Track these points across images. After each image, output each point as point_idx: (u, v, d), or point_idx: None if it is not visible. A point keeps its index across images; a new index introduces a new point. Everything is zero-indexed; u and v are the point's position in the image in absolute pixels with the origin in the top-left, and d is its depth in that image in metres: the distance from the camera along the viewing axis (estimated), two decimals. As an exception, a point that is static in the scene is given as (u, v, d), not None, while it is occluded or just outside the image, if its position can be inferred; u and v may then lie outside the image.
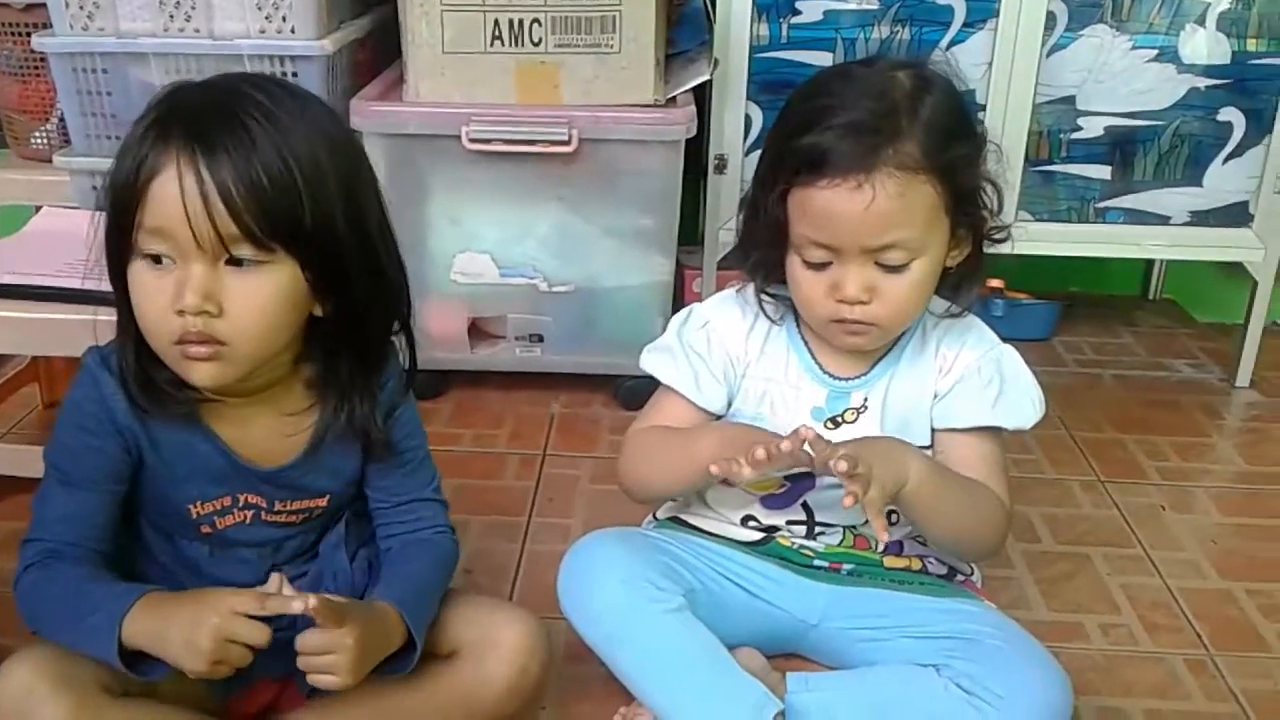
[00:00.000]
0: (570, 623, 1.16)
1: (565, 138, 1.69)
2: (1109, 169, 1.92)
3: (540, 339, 1.85)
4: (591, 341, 1.85)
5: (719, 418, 1.23)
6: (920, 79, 1.13)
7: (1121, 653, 1.33)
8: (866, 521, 1.20)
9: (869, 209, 1.07)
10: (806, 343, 1.22)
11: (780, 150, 1.14)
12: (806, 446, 1.05)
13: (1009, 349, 1.22)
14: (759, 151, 1.24)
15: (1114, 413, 1.91)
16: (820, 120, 1.10)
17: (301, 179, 0.92)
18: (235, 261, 0.93)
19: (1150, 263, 2.37)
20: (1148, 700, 1.26)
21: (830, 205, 1.08)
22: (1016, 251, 1.97)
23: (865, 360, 1.20)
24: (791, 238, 1.13)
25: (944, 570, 1.26)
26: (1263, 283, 1.94)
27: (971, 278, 1.18)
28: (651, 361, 1.25)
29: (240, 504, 1.07)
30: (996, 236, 1.18)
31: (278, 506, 1.08)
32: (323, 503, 1.10)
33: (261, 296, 0.94)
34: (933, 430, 1.21)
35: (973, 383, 1.19)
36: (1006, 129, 1.87)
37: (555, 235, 1.78)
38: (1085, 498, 1.66)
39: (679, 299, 1.91)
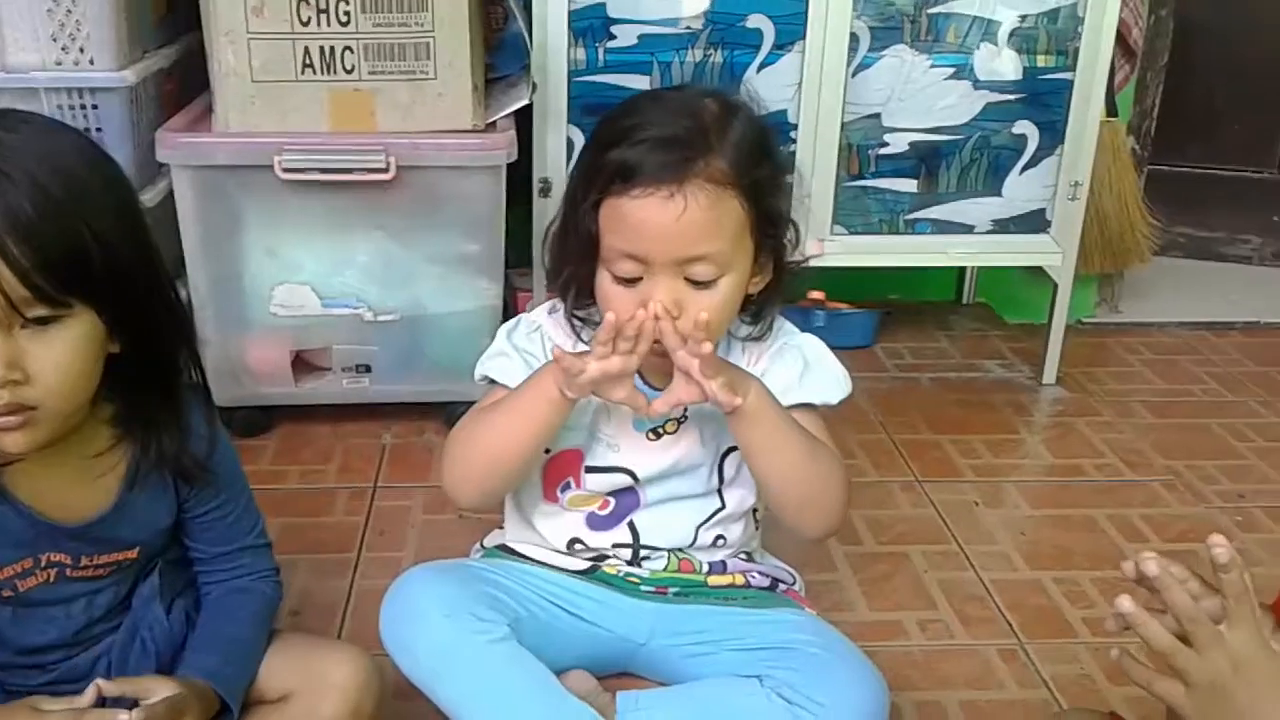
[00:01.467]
0: (393, 661, 1.15)
1: (383, 165, 1.68)
2: (915, 182, 2.01)
3: (368, 369, 1.82)
4: (421, 369, 1.84)
5: None
6: (727, 104, 1.16)
7: (938, 647, 1.39)
8: (692, 543, 1.24)
9: (680, 219, 1.08)
10: None
11: (592, 165, 1.15)
12: (660, 321, 1.08)
13: (810, 336, 1.26)
14: (577, 171, 1.26)
15: (931, 414, 2.00)
16: (632, 135, 1.12)
17: (84, 224, 0.89)
18: (33, 320, 0.89)
19: (963, 269, 2.49)
20: (964, 692, 1.32)
21: (642, 215, 1.09)
22: (834, 264, 2.07)
23: None
24: (602, 252, 1.13)
25: (767, 583, 1.29)
26: (1062, 285, 2.06)
27: (771, 305, 1.20)
28: (486, 366, 1.24)
29: (42, 564, 1.02)
30: (794, 268, 1.21)
31: (84, 562, 1.04)
32: (133, 554, 1.06)
33: (66, 353, 0.90)
34: None
35: (784, 367, 1.23)
36: (818, 146, 1.94)
37: (378, 264, 1.76)
38: (904, 498, 1.73)
39: (509, 322, 1.91)
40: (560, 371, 1.11)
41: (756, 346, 1.24)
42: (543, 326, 1.25)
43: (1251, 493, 1.78)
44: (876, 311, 2.29)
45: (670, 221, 1.09)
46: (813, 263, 2.01)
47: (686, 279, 1.12)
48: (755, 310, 1.21)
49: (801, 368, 1.24)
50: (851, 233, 2.02)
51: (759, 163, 1.15)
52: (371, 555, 1.53)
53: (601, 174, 1.13)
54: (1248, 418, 2.04)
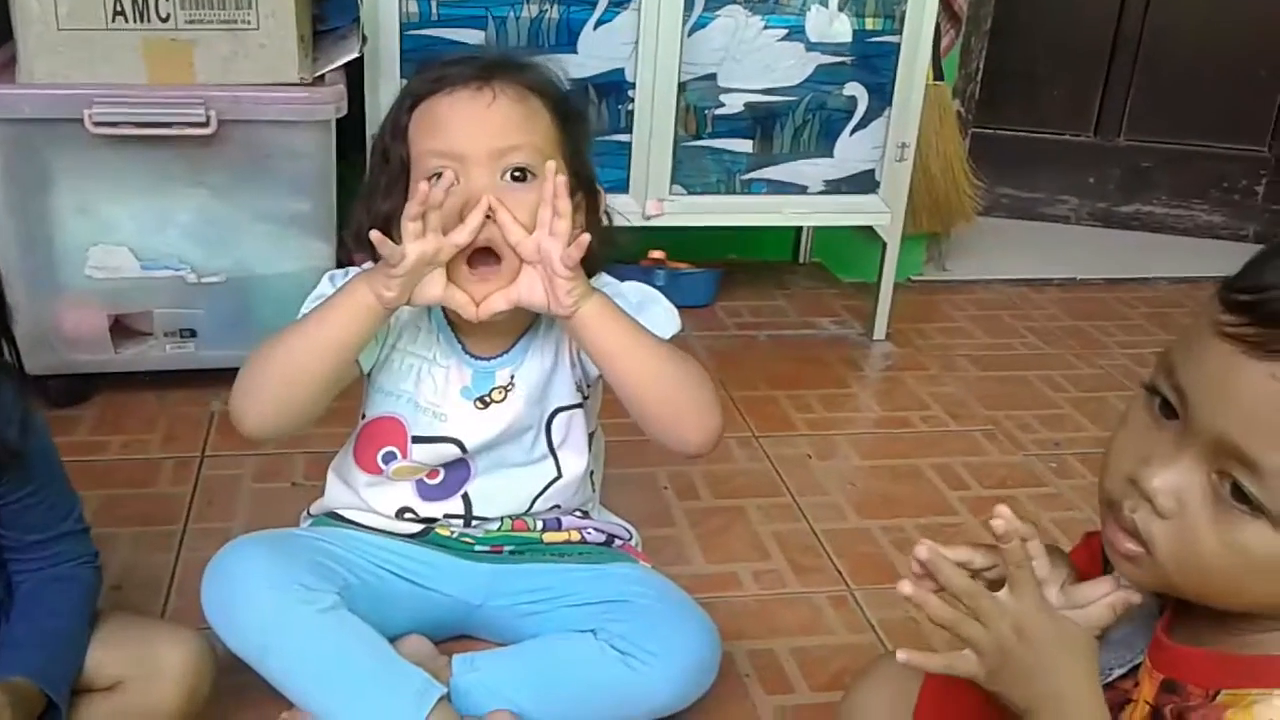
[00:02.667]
0: (218, 636, 1.12)
1: (203, 119, 1.60)
2: (751, 143, 2.03)
3: (193, 334, 1.75)
4: (250, 333, 1.73)
5: (364, 374, 1.20)
6: (533, 60, 1.18)
7: (771, 596, 1.43)
8: (528, 510, 1.23)
9: (491, 107, 1.09)
10: (450, 322, 1.20)
11: (400, 100, 1.15)
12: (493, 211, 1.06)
13: (633, 282, 1.25)
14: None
15: (768, 371, 2.04)
16: (441, 67, 1.14)
17: None
18: None
19: (799, 229, 2.54)
20: (795, 639, 1.36)
21: (453, 108, 1.10)
22: (673, 224, 2.08)
23: (505, 338, 1.20)
24: (414, 165, 1.09)
25: (602, 538, 1.30)
26: (890, 244, 2.12)
27: (592, 261, 1.19)
28: (306, 308, 1.19)
29: None
30: (606, 234, 1.20)
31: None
32: (-62, 544, 1.00)
33: None
34: (585, 374, 1.23)
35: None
36: (656, 105, 1.94)
37: (200, 223, 1.69)
38: (741, 453, 1.76)
39: (342, 284, 1.87)
40: (376, 275, 1.06)
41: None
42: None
43: (1066, 441, 1.88)
44: (716, 271, 2.32)
45: (481, 110, 1.09)
46: (653, 222, 2.06)
47: (503, 177, 1.09)
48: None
49: (633, 308, 1.23)
50: (690, 192, 2.04)
51: (565, 98, 1.17)
52: (198, 526, 1.48)
53: (409, 99, 1.14)
54: (1063, 369, 2.15)
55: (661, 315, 1.24)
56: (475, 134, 1.08)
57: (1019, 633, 0.72)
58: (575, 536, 1.28)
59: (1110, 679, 0.84)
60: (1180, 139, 2.88)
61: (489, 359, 1.20)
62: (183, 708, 1.06)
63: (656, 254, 2.23)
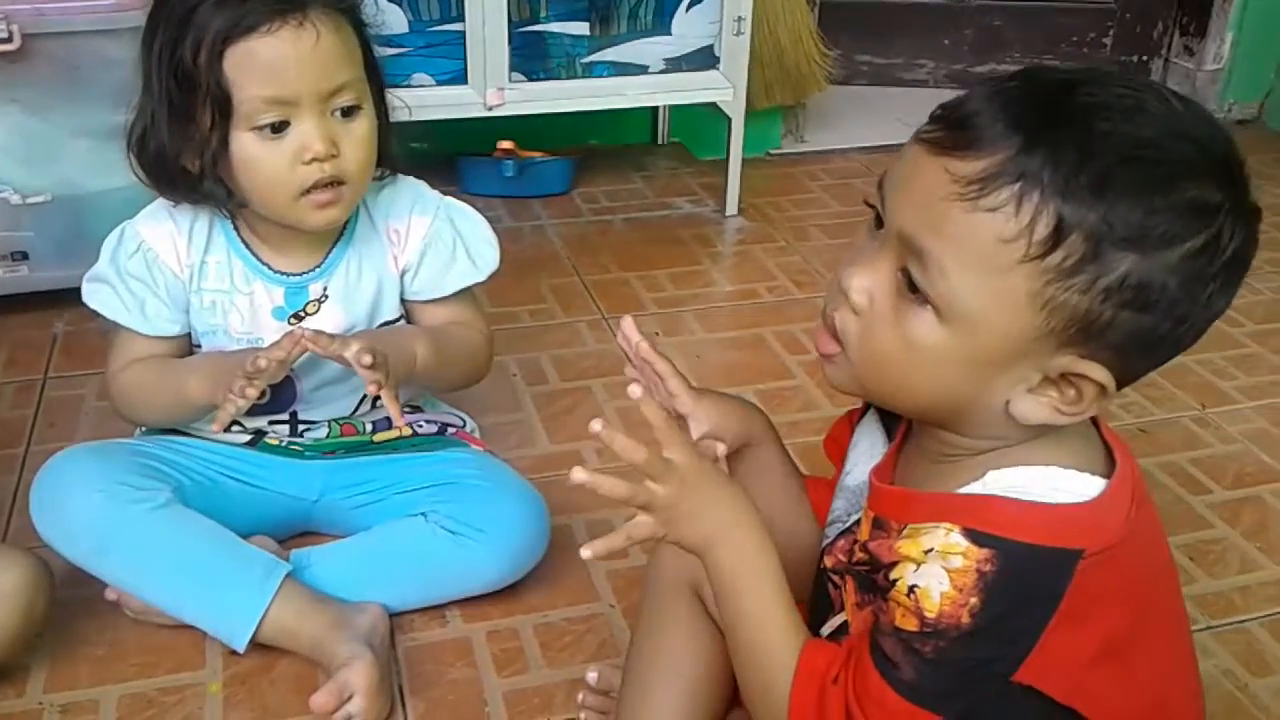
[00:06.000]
0: (51, 546, 1.14)
1: (5, 35, 1.56)
2: (588, 25, 2.02)
3: (25, 256, 1.73)
4: (87, 252, 1.70)
5: (188, 335, 1.22)
6: None
7: (613, 469, 1.47)
8: (354, 412, 1.26)
9: (317, 47, 1.07)
10: (248, 245, 1.20)
11: (184, 29, 1.06)
12: (311, 344, 1.08)
13: (452, 201, 1.28)
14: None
15: (621, 254, 2.07)
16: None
17: None
18: None
19: (656, 109, 2.54)
20: (629, 510, 1.41)
21: (280, 50, 1.06)
22: (515, 112, 2.07)
23: (317, 251, 1.21)
24: (238, 109, 1.07)
25: (435, 429, 1.34)
26: (736, 119, 2.14)
27: (387, 143, 1.19)
28: (92, 294, 1.20)
29: None
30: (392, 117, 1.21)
31: None
32: None
33: None
34: (403, 300, 1.26)
35: (439, 252, 1.25)
36: (486, -9, 1.92)
37: (17, 142, 1.65)
38: (590, 335, 1.80)
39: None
40: (223, 390, 1.09)
41: (393, 203, 1.25)
42: (145, 243, 1.19)
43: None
44: (571, 159, 2.33)
45: (309, 51, 1.07)
46: (496, 112, 2.05)
47: (333, 114, 1.10)
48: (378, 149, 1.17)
49: (462, 250, 1.26)
50: (531, 79, 2.03)
51: (358, 8, 1.15)
52: (40, 448, 1.47)
53: (208, 29, 1.06)
54: (911, 232, 2.21)
55: (487, 248, 1.27)
56: (306, 78, 1.07)
57: (683, 483, 0.77)
58: (407, 432, 1.31)
59: (848, 524, 0.91)
60: (1029, -4, 2.92)
61: (300, 275, 1.21)
62: (20, 627, 1.08)
63: (506, 144, 2.23)
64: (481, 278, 1.28)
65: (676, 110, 2.53)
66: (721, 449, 0.89)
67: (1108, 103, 0.67)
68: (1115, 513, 0.73)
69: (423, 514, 1.21)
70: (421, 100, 1.92)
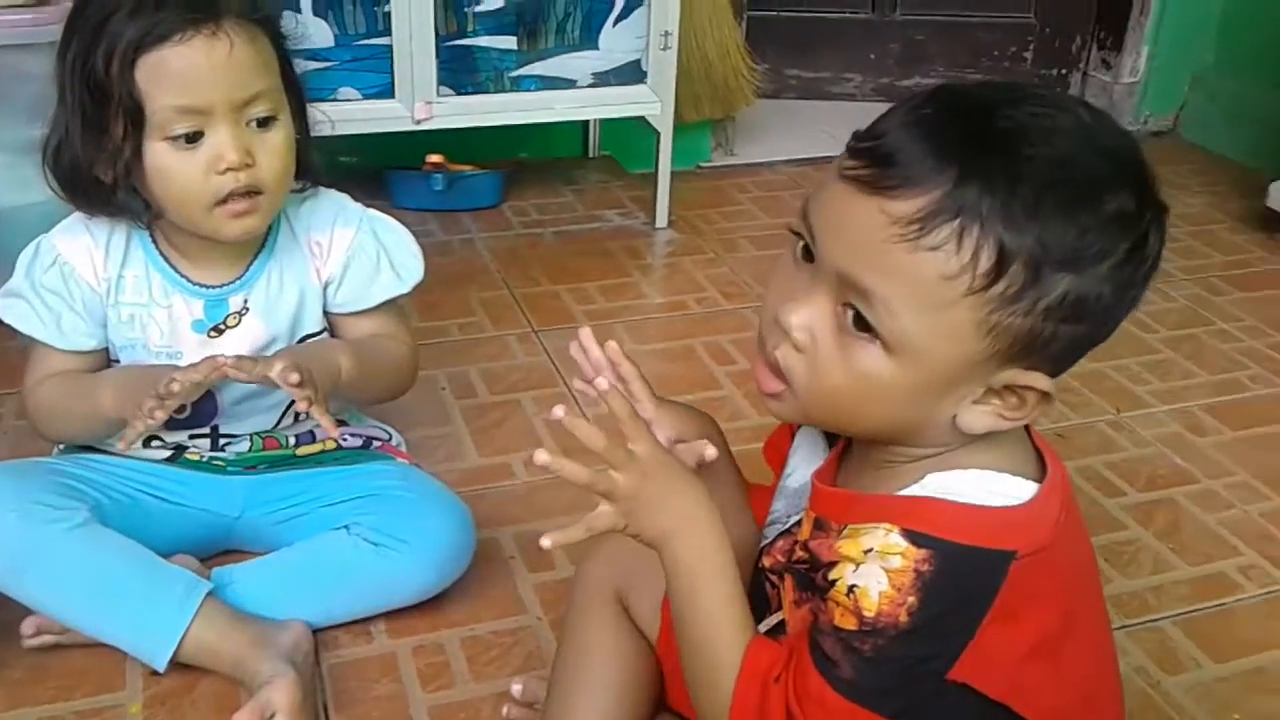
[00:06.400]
0: (-34, 570, 1.12)
1: (-84, 48, 1.53)
2: (516, 39, 2.03)
3: (-61, 274, 1.69)
4: (3, 268, 1.71)
5: (106, 350, 1.21)
6: None
7: (541, 481, 1.48)
8: (277, 425, 1.25)
9: (231, 56, 1.06)
10: (167, 258, 1.19)
11: (95, 37, 1.06)
12: (233, 371, 1.07)
13: (376, 214, 1.27)
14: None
15: (551, 267, 2.08)
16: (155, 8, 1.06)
17: None
18: None
19: (586, 123, 2.56)
20: (560, 517, 1.42)
21: (192, 60, 1.05)
22: (444, 126, 2.07)
23: (237, 263, 1.20)
24: (150, 119, 1.06)
25: (359, 442, 1.33)
26: (664, 133, 2.16)
27: (308, 156, 1.20)
28: (7, 309, 1.18)
29: None
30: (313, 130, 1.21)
31: None
32: None
33: None
34: (326, 313, 1.26)
35: (362, 265, 1.24)
36: (413, 5, 1.92)
37: (-70, 158, 1.62)
38: (520, 349, 1.81)
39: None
40: (133, 408, 1.08)
41: (315, 215, 1.24)
42: (61, 256, 1.17)
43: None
44: (501, 172, 2.33)
45: (222, 61, 1.06)
46: (424, 125, 2.05)
47: (248, 124, 1.09)
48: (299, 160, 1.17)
49: (386, 262, 1.25)
50: (459, 93, 2.03)
51: (277, 20, 1.15)
52: (-45, 468, 1.44)
53: (116, 39, 1.05)
54: (838, 243, 2.24)
55: (411, 259, 1.27)
56: (219, 87, 1.06)
57: (645, 475, 0.78)
58: (331, 445, 1.30)
59: (787, 525, 0.93)
60: (951, 11, 2.98)
61: (219, 287, 1.20)
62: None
63: (435, 158, 2.22)
64: (406, 290, 1.28)
65: (607, 124, 2.55)
66: (712, 451, 0.89)
67: (1026, 125, 0.69)
68: (1046, 515, 0.75)
69: (346, 527, 1.20)
70: (348, 114, 1.92)
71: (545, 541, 0.77)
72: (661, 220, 2.25)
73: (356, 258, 1.24)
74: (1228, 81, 2.79)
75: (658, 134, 2.16)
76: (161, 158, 1.08)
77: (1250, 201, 2.39)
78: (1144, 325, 1.92)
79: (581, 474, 0.77)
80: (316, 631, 1.19)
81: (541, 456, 0.75)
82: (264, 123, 1.11)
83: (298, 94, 1.17)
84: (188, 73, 1.06)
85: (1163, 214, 0.72)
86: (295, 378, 1.06)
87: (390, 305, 1.28)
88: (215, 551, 1.28)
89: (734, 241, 2.23)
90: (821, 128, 2.83)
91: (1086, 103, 0.75)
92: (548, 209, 2.33)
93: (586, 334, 0.93)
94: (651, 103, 2.12)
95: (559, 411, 0.75)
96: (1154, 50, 2.85)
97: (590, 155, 2.59)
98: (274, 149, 1.11)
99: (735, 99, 2.55)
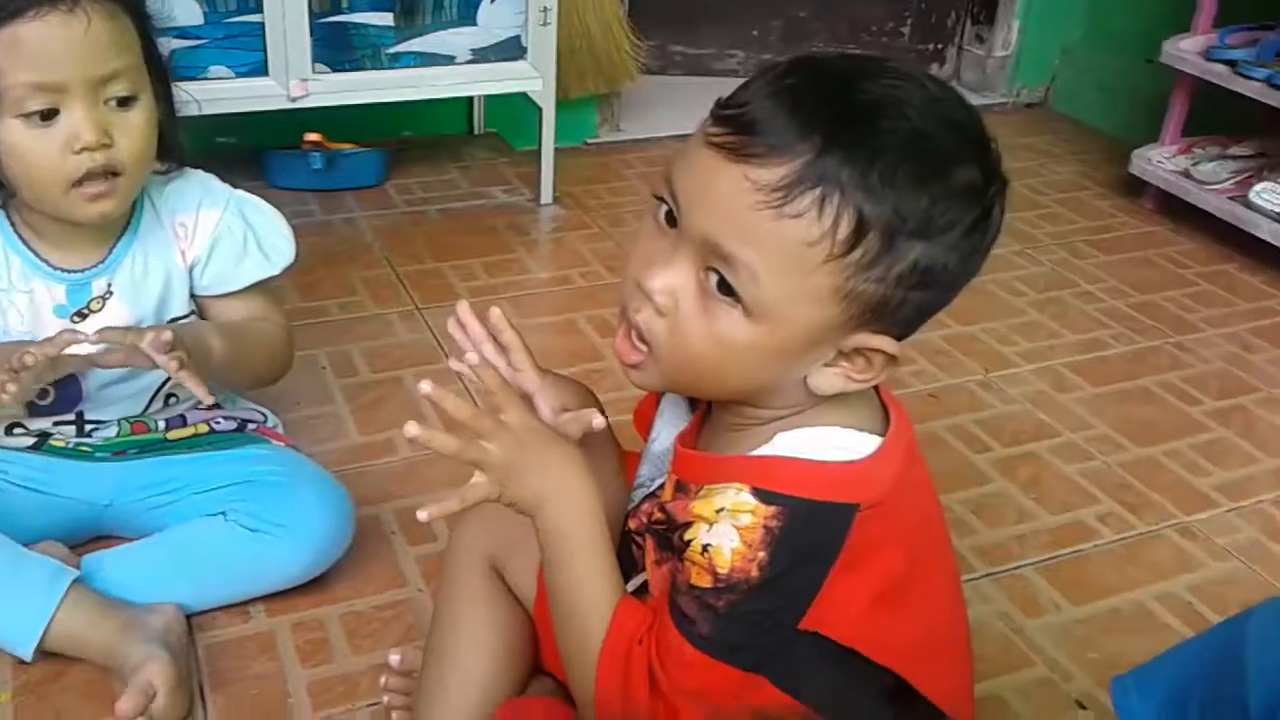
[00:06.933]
0: None
1: None
2: (392, 15, 2.01)
3: None
4: None
5: None
6: None
7: (421, 457, 1.48)
8: (145, 409, 1.23)
9: (89, 33, 1.04)
10: (26, 242, 1.16)
11: None
12: (102, 338, 1.05)
13: (244, 195, 1.26)
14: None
15: (436, 245, 2.07)
16: None
17: None
18: None
19: (471, 100, 2.54)
20: (443, 491, 1.42)
21: (48, 36, 1.03)
22: (320, 104, 2.04)
23: (100, 247, 1.18)
24: (4, 95, 1.03)
25: (234, 425, 1.31)
26: (546, 108, 2.16)
27: (173, 136, 1.18)
28: None
29: None
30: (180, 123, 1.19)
31: None
32: None
33: None
34: (194, 297, 1.24)
35: (229, 246, 1.23)
36: (283, -18, 1.89)
37: None
38: (403, 326, 1.80)
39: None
40: None
41: (180, 195, 1.22)
42: None
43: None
44: (383, 150, 2.31)
45: (79, 37, 1.04)
46: (300, 103, 2.02)
47: (106, 103, 1.07)
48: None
49: (254, 243, 1.24)
50: (335, 70, 2.01)
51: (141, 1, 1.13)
52: None
53: None
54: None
55: (281, 241, 1.26)
56: (76, 64, 1.04)
57: (521, 444, 0.79)
58: (203, 429, 1.28)
59: (652, 488, 0.95)
60: (831, -14, 3.03)
61: (82, 271, 1.17)
62: None
63: (313, 137, 2.19)
64: (275, 271, 1.27)
65: (492, 101, 2.53)
66: (600, 420, 0.89)
67: (882, 98, 0.72)
68: (889, 468, 0.78)
69: (222, 513, 1.19)
70: (221, 93, 1.89)
71: (422, 514, 0.78)
72: (547, 196, 2.25)
73: (223, 239, 1.23)
74: (1095, 54, 2.89)
75: (540, 110, 2.16)
76: (15, 135, 1.06)
77: (1115, 169, 2.49)
78: (1013, 290, 1.99)
79: (451, 444, 0.78)
80: (191, 615, 1.18)
81: (411, 429, 0.76)
82: (124, 102, 1.09)
83: (162, 73, 1.15)
84: (42, 48, 1.03)
85: (1005, 186, 0.76)
86: (168, 336, 1.05)
87: (261, 288, 1.27)
88: (86, 538, 1.26)
89: (619, 216, 2.25)
90: (706, 104, 2.84)
91: (932, 75, 0.78)
92: (432, 187, 2.31)
93: (464, 308, 0.93)
94: (533, 79, 2.12)
95: (426, 386, 0.76)
96: (1025, 24, 2.94)
97: (476, 132, 2.57)
98: (134, 129, 1.09)
99: (619, 75, 2.56)
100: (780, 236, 0.70)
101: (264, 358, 1.26)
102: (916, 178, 0.70)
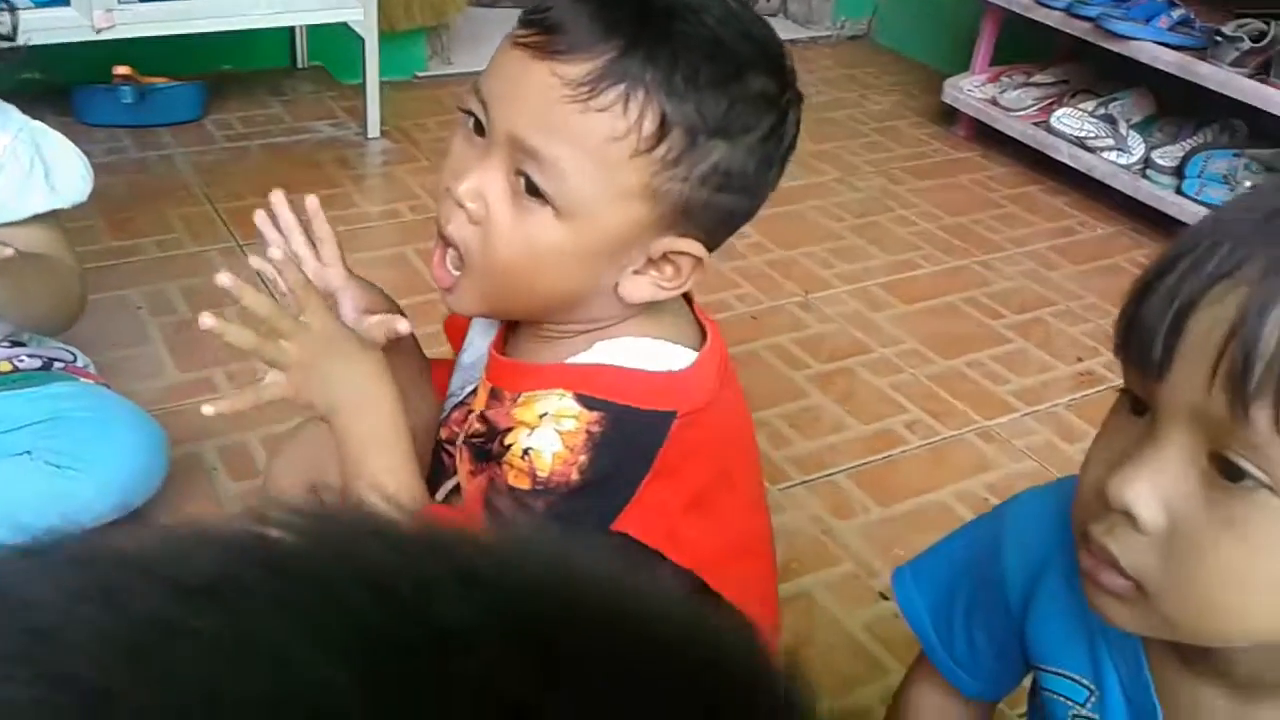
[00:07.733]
0: None
1: None
2: (200, -59, 1.94)
3: None
4: None
5: None
6: None
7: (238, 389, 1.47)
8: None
9: None
10: None
11: None
12: None
13: (43, 126, 1.21)
14: None
15: (257, 181, 2.02)
16: None
17: None
18: None
19: (293, 32, 2.47)
20: (268, 427, 1.41)
21: None
22: (130, 35, 1.96)
23: None
24: None
25: (39, 363, 1.27)
26: (369, 39, 2.12)
27: None
28: None
29: None
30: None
31: None
32: None
33: None
34: None
35: (12, 172, 1.18)
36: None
37: None
38: (224, 263, 1.76)
39: None
40: None
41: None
42: None
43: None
44: (200, 84, 2.23)
45: None
46: (106, 35, 1.93)
47: None
48: None
49: (42, 172, 1.19)
50: (143, 1, 1.93)
51: None
52: None
53: None
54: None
55: (77, 179, 1.21)
56: None
57: (317, 344, 0.80)
58: (6, 367, 1.24)
59: (462, 397, 0.97)
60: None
61: None
62: None
63: (122, 70, 2.10)
64: (62, 205, 1.21)
65: (314, 32, 2.47)
66: (405, 325, 0.88)
67: (681, 6, 0.73)
68: (704, 380, 0.82)
69: (27, 452, 1.16)
70: (23, 24, 1.79)
71: (208, 409, 0.77)
72: (374, 130, 2.22)
73: (8, 164, 1.18)
74: (915, -13, 2.99)
75: (363, 41, 2.12)
76: None
77: (932, 99, 2.58)
78: (833, 215, 2.06)
79: (247, 339, 0.77)
80: None
81: (206, 320, 0.74)
82: None
83: None
84: None
85: (799, 99, 0.79)
86: None
87: (49, 221, 1.22)
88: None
89: (449, 149, 2.23)
90: (538, 36, 2.84)
91: None
92: (254, 121, 2.25)
93: (278, 195, 0.91)
94: (353, 8, 2.08)
95: (225, 279, 0.75)
96: (849, -43, 3.01)
97: (300, 66, 2.51)
98: None
99: (447, 6, 2.52)
100: (586, 130, 0.72)
101: (51, 297, 1.20)
102: (716, 80, 0.73)
